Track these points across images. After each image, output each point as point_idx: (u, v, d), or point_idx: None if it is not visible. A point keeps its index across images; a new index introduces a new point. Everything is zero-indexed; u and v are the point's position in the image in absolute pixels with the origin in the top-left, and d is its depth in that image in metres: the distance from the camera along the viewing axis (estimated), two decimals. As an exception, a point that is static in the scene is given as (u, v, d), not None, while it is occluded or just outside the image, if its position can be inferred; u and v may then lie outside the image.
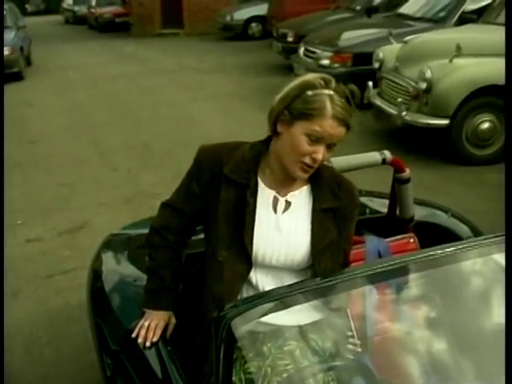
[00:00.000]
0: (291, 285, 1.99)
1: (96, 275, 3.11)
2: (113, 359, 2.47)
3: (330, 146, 2.05)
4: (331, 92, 2.00)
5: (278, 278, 2.14)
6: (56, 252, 5.25)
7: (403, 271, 2.03)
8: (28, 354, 3.84)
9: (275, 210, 2.15)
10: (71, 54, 19.57)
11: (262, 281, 2.14)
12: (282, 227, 2.13)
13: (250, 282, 2.15)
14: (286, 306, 1.84)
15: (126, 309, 2.68)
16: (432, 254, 2.03)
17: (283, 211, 2.15)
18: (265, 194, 2.16)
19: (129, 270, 3.00)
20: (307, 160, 2.04)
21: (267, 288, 2.10)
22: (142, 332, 2.29)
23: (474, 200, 5.77)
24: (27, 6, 49.60)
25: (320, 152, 2.03)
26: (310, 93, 2.00)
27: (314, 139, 2.01)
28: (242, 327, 1.77)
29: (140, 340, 2.27)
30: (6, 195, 6.74)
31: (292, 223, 2.14)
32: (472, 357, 2.01)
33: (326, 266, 2.11)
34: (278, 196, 2.17)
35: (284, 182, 2.17)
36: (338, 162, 2.85)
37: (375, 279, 1.98)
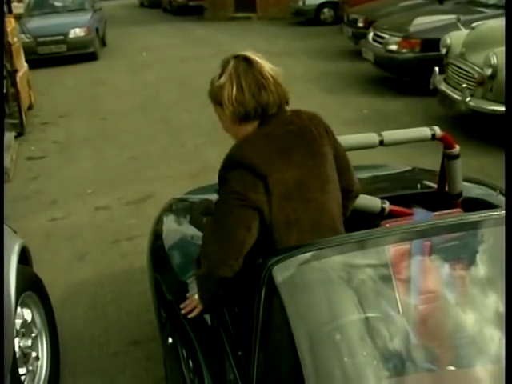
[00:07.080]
0: (330, 238, 2.08)
1: (157, 235, 3.31)
2: (167, 308, 2.67)
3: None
4: None
5: None
6: (123, 220, 5.52)
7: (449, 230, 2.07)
8: (92, 310, 4.10)
9: None
10: (145, 36, 19.95)
11: None
12: None
13: None
14: (323, 257, 1.97)
15: (183, 265, 2.87)
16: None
17: None
18: None
19: (190, 230, 3.18)
20: None
21: None
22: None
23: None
24: (104, -12, 50.67)
25: None
26: None
27: None
28: (281, 273, 1.92)
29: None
30: (78, 167, 7.08)
31: None
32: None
33: None
34: None
35: None
36: (389, 135, 2.98)
37: (417, 235, 2.03)
